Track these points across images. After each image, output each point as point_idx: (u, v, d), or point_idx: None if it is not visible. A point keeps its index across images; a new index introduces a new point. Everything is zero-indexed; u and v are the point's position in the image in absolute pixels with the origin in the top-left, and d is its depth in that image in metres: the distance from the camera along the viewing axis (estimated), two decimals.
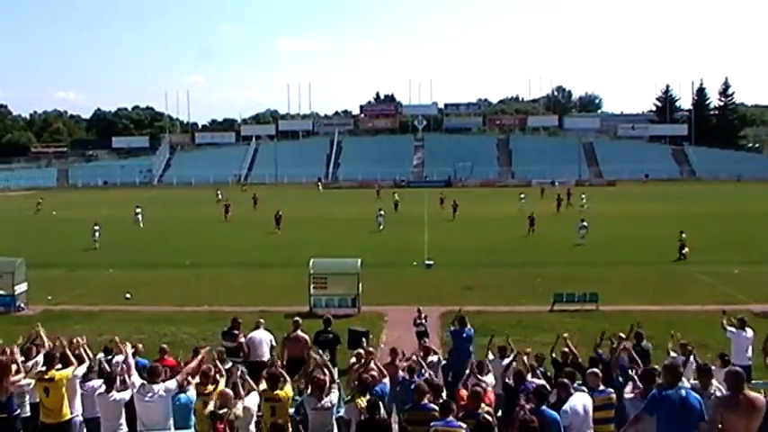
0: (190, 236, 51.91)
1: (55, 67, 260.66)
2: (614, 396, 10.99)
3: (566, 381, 10.49)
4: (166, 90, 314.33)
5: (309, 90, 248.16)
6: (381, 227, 53.47)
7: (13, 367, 11.55)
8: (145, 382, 10.39)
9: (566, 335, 14.37)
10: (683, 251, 38.16)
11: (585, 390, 10.73)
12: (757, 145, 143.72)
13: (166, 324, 25.01)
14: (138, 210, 59.40)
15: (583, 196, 48.28)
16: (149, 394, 9.92)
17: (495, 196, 77.99)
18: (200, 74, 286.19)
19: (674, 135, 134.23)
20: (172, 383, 10.38)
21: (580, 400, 10.09)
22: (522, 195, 73.59)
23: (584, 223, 47.16)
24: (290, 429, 10.64)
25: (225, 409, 9.80)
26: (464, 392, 11.43)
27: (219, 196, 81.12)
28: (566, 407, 9.85)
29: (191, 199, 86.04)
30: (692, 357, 13.64)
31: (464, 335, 15.37)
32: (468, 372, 12.30)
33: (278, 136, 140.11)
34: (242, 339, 15.76)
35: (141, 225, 57.54)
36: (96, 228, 46.52)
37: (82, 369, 11.48)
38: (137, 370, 11.29)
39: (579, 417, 9.89)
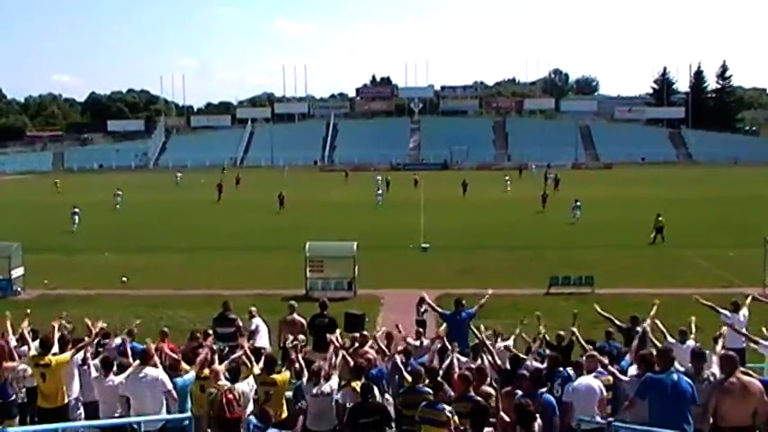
0: (186, 219, 51.97)
1: (49, 49, 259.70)
2: (612, 379, 11.04)
3: (581, 360, 10.50)
4: (161, 73, 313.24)
5: (305, 73, 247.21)
6: (380, 204, 56.96)
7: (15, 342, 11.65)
8: (137, 365, 10.34)
9: (574, 329, 14.33)
10: (658, 235, 38.34)
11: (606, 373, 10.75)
12: (754, 128, 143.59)
13: (163, 308, 25.04)
14: (119, 193, 60.45)
15: (577, 203, 47.96)
16: (140, 378, 9.88)
17: (491, 179, 77.92)
18: (196, 56, 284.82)
19: (671, 118, 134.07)
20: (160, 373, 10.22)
21: (588, 382, 10.10)
22: (508, 178, 74.73)
23: (578, 203, 47.55)
24: (287, 413, 10.69)
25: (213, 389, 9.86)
26: (456, 377, 11.45)
27: (178, 179, 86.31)
28: (572, 384, 9.89)
29: (186, 182, 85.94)
30: (690, 341, 13.68)
31: (458, 318, 15.35)
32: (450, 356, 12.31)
33: (273, 119, 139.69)
34: (240, 322, 15.77)
35: (118, 207, 58.17)
36: (76, 210, 46.84)
37: (79, 354, 11.50)
38: (131, 354, 11.33)
39: (583, 397, 9.86)
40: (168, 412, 9.78)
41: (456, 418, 9.13)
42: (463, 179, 67.88)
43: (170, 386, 9.79)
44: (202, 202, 62.23)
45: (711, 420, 7.85)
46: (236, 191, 72.92)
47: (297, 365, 11.18)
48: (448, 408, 9.33)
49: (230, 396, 9.57)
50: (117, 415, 10.09)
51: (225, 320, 15.96)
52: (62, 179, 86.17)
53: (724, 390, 7.93)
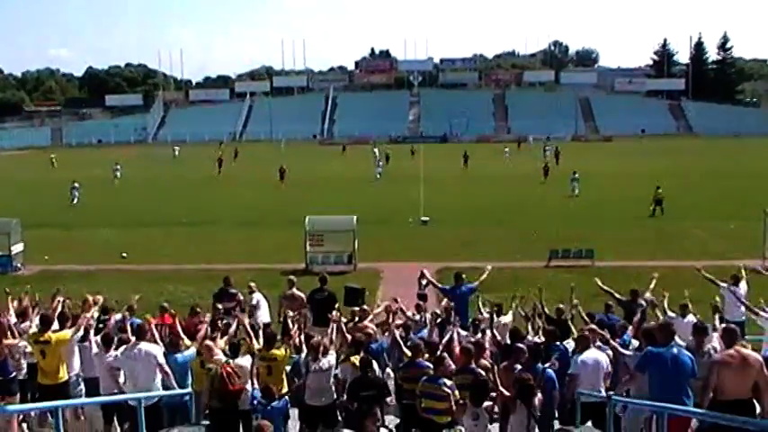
0: (185, 194, 51.82)
1: (46, 23, 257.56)
2: (611, 353, 11.04)
3: (586, 333, 10.49)
4: (159, 47, 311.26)
5: (304, 46, 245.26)
6: (379, 176, 58.05)
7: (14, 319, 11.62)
8: (132, 341, 10.30)
9: (576, 301, 14.31)
10: (657, 207, 38.31)
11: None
12: (755, 99, 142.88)
13: (164, 283, 25.03)
14: (118, 167, 60.86)
15: (575, 176, 47.98)
16: (134, 354, 9.84)
17: (490, 152, 77.72)
18: (194, 30, 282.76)
19: (671, 90, 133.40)
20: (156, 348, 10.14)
21: (594, 356, 10.10)
22: (507, 150, 74.82)
23: (576, 175, 47.56)
24: (286, 388, 10.68)
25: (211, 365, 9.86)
26: (457, 351, 11.46)
27: (176, 153, 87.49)
28: (577, 357, 9.89)
29: (185, 156, 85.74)
30: (690, 316, 13.67)
31: (458, 292, 15.33)
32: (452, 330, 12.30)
33: (272, 93, 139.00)
34: (240, 297, 15.76)
35: (117, 182, 58.56)
36: (76, 186, 47.07)
37: (80, 331, 11.48)
38: (131, 330, 11.29)
39: (588, 370, 9.88)
40: (165, 388, 9.76)
41: (456, 392, 9.13)
42: (464, 150, 68.53)
43: (163, 361, 9.74)
44: (202, 177, 62.13)
45: (711, 394, 7.83)
46: (235, 165, 72.86)
47: (296, 340, 11.16)
48: (448, 382, 9.33)
49: (229, 369, 9.57)
50: (116, 391, 10.08)
51: (226, 295, 15.95)
52: (60, 154, 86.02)
53: (724, 362, 7.90)
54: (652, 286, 14.64)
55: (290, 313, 13.23)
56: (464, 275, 15.92)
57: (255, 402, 9.24)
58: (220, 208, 44.14)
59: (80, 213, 42.75)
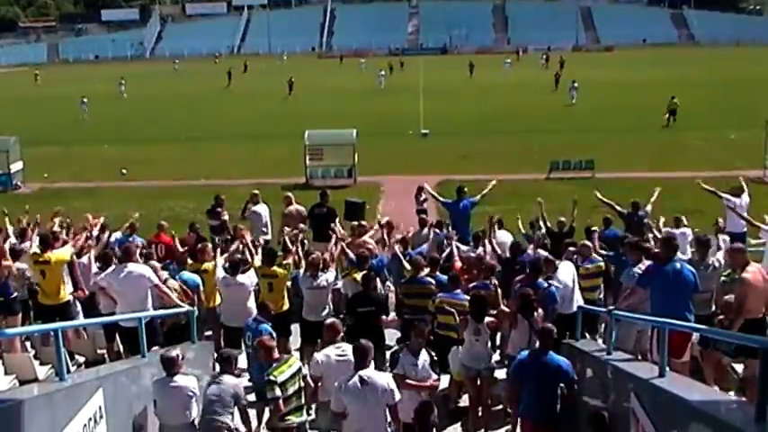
0: (184, 109, 51.08)
1: None
2: (603, 264, 10.98)
3: (549, 256, 10.41)
4: None
5: None
6: (382, 86, 58.86)
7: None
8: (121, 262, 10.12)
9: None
10: (671, 117, 37.82)
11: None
12: (758, 7, 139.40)
13: (164, 199, 24.93)
14: (123, 81, 60.80)
15: (574, 84, 47.54)
16: (122, 275, 9.70)
17: (490, 63, 76.39)
18: None
19: None
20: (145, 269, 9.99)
21: (566, 271, 10.05)
22: (508, 60, 73.87)
23: (575, 84, 47.09)
24: (287, 305, 10.62)
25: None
26: (459, 265, 11.36)
27: (176, 68, 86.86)
28: (555, 281, 9.78)
29: (186, 71, 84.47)
30: (685, 228, 13.53)
31: (460, 206, 15.12)
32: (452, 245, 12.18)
33: (270, 5, 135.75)
34: (225, 217, 15.54)
35: (125, 96, 58.55)
36: (84, 100, 46.92)
37: (81, 250, 11.36)
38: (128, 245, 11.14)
39: (568, 288, 9.89)
40: (157, 308, 9.64)
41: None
42: (470, 61, 68.76)
43: (156, 281, 9.61)
44: (207, 91, 61.25)
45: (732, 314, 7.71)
46: (244, 78, 72.10)
47: (295, 257, 11.03)
48: (466, 296, 9.28)
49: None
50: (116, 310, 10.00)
51: (213, 213, 15.83)
52: (57, 71, 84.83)
53: (753, 284, 7.72)
54: (653, 199, 14.43)
55: (287, 230, 13.08)
56: (465, 189, 15.70)
57: (251, 321, 9.10)
58: (223, 122, 43.64)
59: (79, 130, 42.26)
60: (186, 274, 10.71)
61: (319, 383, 7.54)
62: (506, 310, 8.91)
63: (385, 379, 6.76)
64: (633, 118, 39.74)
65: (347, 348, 7.39)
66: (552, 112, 43.81)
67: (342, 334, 7.83)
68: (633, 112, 41.72)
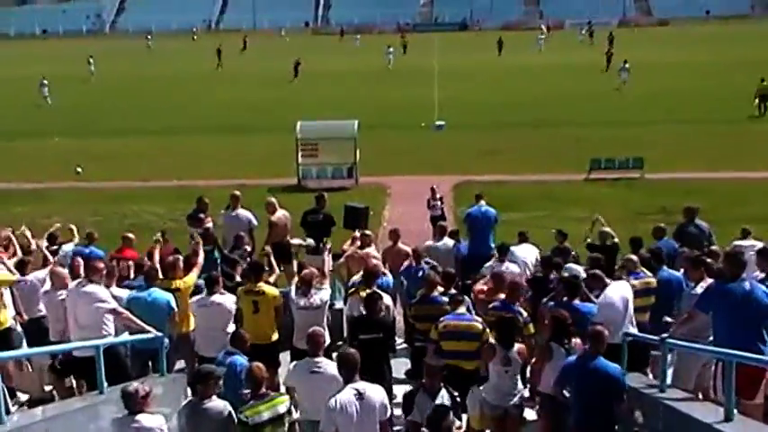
0: (152, 96, 51.18)
1: None
2: (654, 281, 10.88)
3: (597, 272, 10.36)
4: None
5: None
6: (391, 63, 60.56)
7: None
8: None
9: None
10: (761, 104, 37.43)
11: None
12: None
13: (127, 203, 25.00)
14: (91, 60, 61.72)
15: (626, 66, 47.62)
16: (79, 296, 9.67)
17: (519, 42, 76.39)
18: None
19: None
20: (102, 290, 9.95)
21: (618, 291, 9.95)
22: (542, 36, 73.83)
23: (626, 65, 47.19)
24: (276, 335, 10.61)
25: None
26: (480, 286, 11.33)
27: (150, 44, 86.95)
28: (600, 299, 9.74)
29: (158, 49, 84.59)
30: (759, 243, 13.44)
31: (480, 214, 15.17)
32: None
33: None
34: (209, 224, 15.46)
35: (93, 78, 59.77)
36: (44, 82, 47.30)
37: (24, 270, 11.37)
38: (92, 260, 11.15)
39: (616, 309, 9.76)
40: (116, 334, 9.63)
41: (488, 331, 9.06)
42: (499, 37, 69.45)
43: (113, 304, 9.60)
44: (188, 74, 61.19)
45: None
46: (239, 58, 72.57)
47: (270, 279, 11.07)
48: (479, 320, 9.25)
49: None
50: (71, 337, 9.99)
51: (195, 220, 15.68)
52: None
53: None
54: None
55: (267, 248, 13.10)
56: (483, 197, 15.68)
57: (222, 355, 8.96)
58: (205, 110, 43.82)
59: (24, 120, 42.34)
60: (157, 293, 10.67)
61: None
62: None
63: (380, 393, 7.10)
64: (694, 108, 39.58)
65: (325, 364, 7.74)
66: (595, 99, 43.75)
67: (323, 348, 8.15)
68: (693, 99, 41.61)
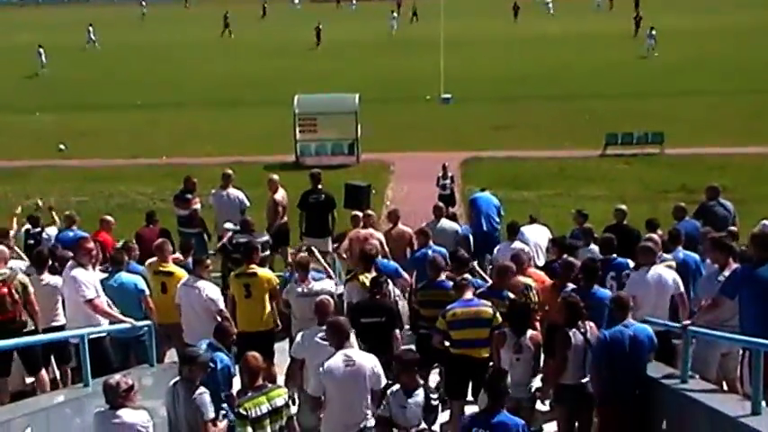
0: (141, 66, 50.92)
1: None
2: (674, 264, 10.79)
3: (649, 245, 10.22)
4: None
5: None
6: (394, 29, 60.86)
7: None
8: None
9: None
10: None
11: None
12: None
13: (113, 182, 24.99)
14: (91, 28, 60.75)
15: (652, 32, 47.34)
16: (67, 280, 9.59)
17: (530, 6, 75.79)
18: None
19: None
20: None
21: (656, 272, 9.86)
22: (548, 1, 73.27)
23: (653, 32, 46.99)
24: (272, 323, 10.56)
25: None
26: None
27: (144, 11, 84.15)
28: (638, 273, 9.70)
29: (155, 17, 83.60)
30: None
31: (486, 198, 15.16)
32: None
33: None
34: (196, 206, 15.35)
35: (97, 47, 59.12)
36: (40, 51, 47.61)
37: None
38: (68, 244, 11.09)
39: (648, 290, 9.64)
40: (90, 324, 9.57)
41: (499, 317, 9.00)
42: (514, 1, 68.34)
43: (91, 293, 9.53)
44: (189, 43, 60.37)
45: None
46: (256, 27, 71.29)
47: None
48: (489, 303, 9.17)
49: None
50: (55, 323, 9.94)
51: (181, 201, 15.54)
52: None
53: None
54: None
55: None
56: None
57: (205, 346, 8.78)
58: (188, 85, 43.63)
59: (9, 94, 42.22)
60: (125, 277, 10.55)
61: (303, 368, 8.10)
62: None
63: (372, 361, 7.50)
64: (721, 78, 39.10)
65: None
66: (616, 69, 43.33)
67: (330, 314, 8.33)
68: (721, 70, 41.14)
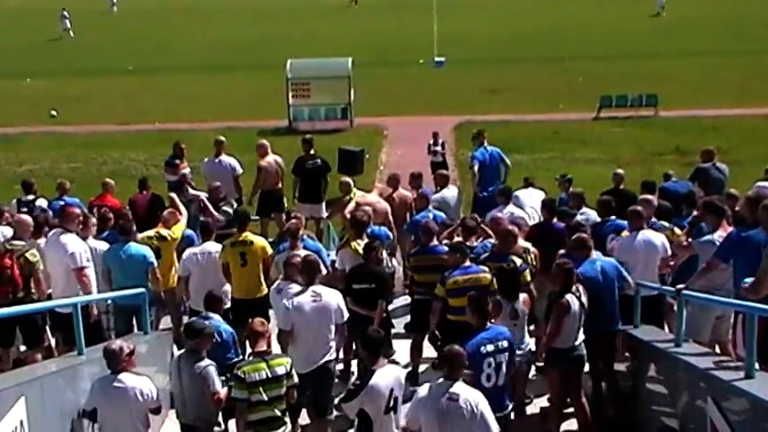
0: (133, 31, 50.59)
1: None
2: (674, 231, 10.72)
3: (638, 209, 10.17)
4: None
5: None
6: None
7: None
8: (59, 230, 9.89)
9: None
10: None
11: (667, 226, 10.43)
12: None
13: (106, 148, 24.85)
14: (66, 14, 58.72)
15: None
16: (53, 247, 9.51)
17: None
18: None
19: None
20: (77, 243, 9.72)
21: (644, 236, 9.82)
22: None
23: None
24: (266, 289, 10.52)
25: None
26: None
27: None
28: (619, 238, 9.68)
29: None
30: None
31: (487, 155, 14.97)
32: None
33: None
34: (185, 171, 15.24)
35: (115, 10, 58.95)
36: (65, 14, 47.71)
37: None
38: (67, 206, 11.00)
39: (636, 254, 9.62)
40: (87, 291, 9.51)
41: (494, 281, 8.98)
42: None
43: (81, 262, 9.44)
44: (179, 8, 59.94)
45: None
46: None
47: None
48: (487, 269, 9.14)
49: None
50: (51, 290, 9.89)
51: (171, 166, 15.45)
52: None
53: None
54: None
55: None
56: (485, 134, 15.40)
57: (199, 317, 8.75)
58: (180, 49, 43.35)
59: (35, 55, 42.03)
60: (134, 247, 10.50)
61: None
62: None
63: (337, 298, 8.08)
64: (718, 38, 38.89)
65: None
66: (614, 29, 43.11)
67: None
68: (719, 29, 40.86)
